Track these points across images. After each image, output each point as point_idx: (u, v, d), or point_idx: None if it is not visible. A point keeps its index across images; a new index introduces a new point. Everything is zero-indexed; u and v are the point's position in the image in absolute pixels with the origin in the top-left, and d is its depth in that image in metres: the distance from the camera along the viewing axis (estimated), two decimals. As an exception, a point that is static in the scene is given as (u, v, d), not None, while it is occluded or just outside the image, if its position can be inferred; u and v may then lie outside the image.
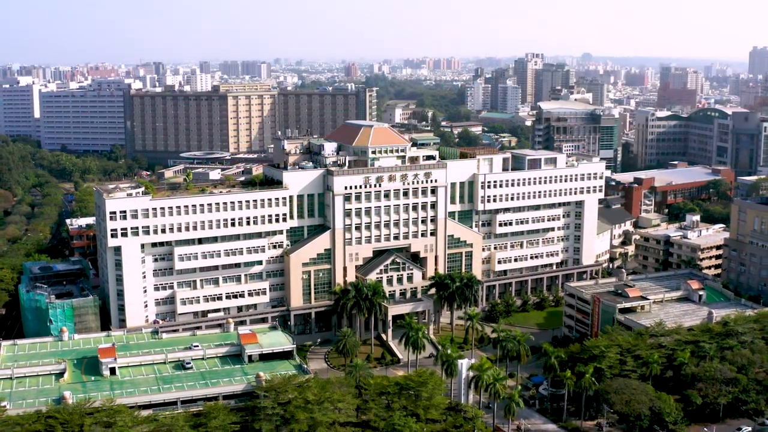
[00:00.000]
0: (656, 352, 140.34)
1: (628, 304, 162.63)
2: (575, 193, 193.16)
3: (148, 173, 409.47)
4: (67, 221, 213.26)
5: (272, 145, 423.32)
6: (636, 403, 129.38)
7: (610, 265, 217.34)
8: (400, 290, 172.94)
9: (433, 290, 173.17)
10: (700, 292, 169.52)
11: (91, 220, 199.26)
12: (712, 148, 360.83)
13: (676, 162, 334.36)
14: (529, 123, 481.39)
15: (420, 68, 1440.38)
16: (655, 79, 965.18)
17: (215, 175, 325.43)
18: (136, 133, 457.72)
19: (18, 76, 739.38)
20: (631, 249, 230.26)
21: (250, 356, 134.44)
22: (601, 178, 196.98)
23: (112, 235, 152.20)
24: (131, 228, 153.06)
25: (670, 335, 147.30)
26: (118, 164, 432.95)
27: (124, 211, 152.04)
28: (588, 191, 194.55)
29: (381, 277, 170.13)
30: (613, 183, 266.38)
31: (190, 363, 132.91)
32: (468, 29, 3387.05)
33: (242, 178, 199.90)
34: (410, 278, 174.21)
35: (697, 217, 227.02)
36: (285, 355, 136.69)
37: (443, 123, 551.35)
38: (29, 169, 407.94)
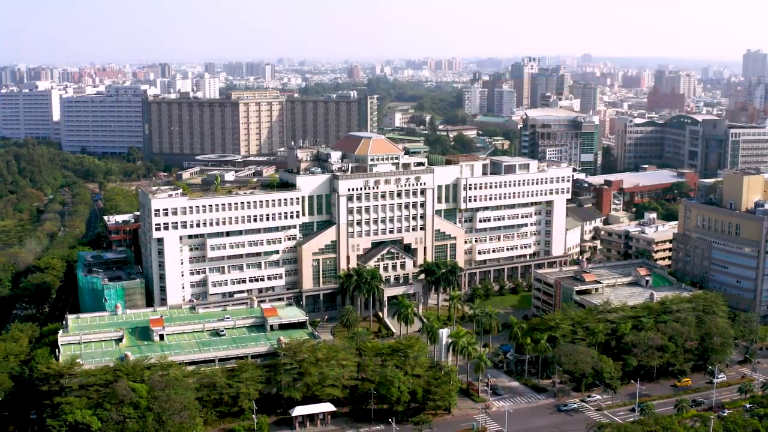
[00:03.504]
0: (601, 324, 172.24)
1: (584, 287, 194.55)
2: (545, 194, 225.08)
3: (165, 174, 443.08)
4: (105, 218, 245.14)
5: (281, 149, 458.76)
6: (582, 364, 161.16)
7: (580, 257, 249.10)
8: (395, 275, 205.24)
9: (422, 276, 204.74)
10: (647, 278, 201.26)
11: (126, 216, 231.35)
12: (684, 152, 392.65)
13: (646, 165, 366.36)
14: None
15: (422, 69, 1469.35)
16: (651, 81, 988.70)
17: (230, 176, 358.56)
18: (153, 136, 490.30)
19: (32, 80, 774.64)
20: (599, 243, 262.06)
21: (271, 326, 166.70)
22: (568, 181, 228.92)
23: (156, 229, 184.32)
24: (172, 223, 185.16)
25: (616, 311, 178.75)
26: (137, 166, 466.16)
27: (166, 209, 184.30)
28: (557, 192, 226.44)
29: (378, 265, 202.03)
30: (586, 185, 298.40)
31: (223, 331, 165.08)
32: (470, 29, 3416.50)
33: (255, 179, 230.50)
34: (403, 266, 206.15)
35: (653, 215, 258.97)
36: (300, 325, 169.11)
37: (440, 127, 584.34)
38: (56, 170, 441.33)
